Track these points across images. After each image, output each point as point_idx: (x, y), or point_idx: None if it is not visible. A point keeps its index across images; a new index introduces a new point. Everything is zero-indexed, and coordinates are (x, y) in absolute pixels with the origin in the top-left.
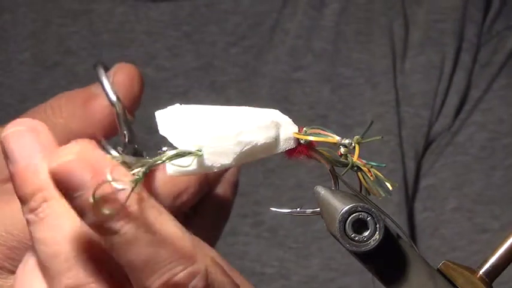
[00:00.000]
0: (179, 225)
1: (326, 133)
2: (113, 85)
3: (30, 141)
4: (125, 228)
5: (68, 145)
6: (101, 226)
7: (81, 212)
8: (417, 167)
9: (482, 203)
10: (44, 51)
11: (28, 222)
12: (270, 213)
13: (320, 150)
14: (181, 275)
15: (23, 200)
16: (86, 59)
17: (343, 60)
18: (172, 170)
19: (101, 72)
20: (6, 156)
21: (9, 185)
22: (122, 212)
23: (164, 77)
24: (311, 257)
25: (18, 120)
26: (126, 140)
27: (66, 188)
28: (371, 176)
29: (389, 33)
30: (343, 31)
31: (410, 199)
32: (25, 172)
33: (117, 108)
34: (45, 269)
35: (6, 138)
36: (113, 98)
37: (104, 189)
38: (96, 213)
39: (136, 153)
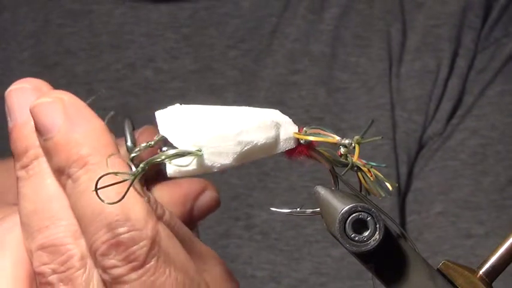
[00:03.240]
0: (138, 190)
1: (326, 133)
2: (132, 135)
3: (32, 99)
4: (82, 177)
5: (55, 91)
6: (62, 172)
7: (49, 156)
8: (409, 172)
9: (469, 208)
10: (44, 51)
11: (18, 178)
12: (263, 216)
13: (320, 150)
14: (125, 236)
15: (17, 156)
16: (85, 60)
17: (340, 64)
18: (172, 170)
19: (127, 123)
20: (8, 112)
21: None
22: (81, 161)
23: (162, 80)
24: (302, 261)
25: (24, 79)
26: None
27: (38, 129)
28: (371, 176)
29: (386, 37)
30: (341, 35)
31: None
32: (22, 128)
33: (131, 154)
34: (24, 226)
35: (9, 94)
36: (130, 144)
37: (71, 137)
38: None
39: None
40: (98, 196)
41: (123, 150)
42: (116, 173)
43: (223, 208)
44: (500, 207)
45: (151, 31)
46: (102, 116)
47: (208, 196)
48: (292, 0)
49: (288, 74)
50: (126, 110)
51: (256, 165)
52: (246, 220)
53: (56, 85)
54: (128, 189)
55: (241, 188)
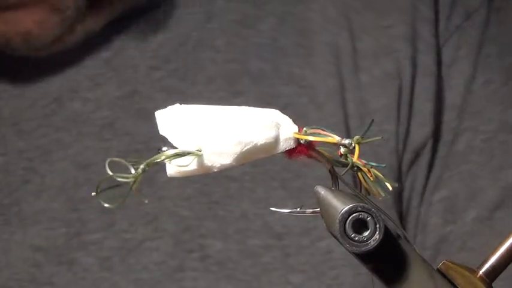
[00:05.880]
0: None
1: (326, 133)
2: None
3: None
4: None
5: None
6: None
7: None
8: (396, 180)
9: (499, 207)
10: None
11: None
12: (217, 246)
13: (320, 150)
14: None
15: None
16: (9, 100)
17: (283, 79)
18: (173, 170)
19: None
20: None
21: None
22: None
23: (89, 110)
24: None
25: None
26: None
27: None
28: (371, 176)
29: (334, 50)
30: (281, 46)
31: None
32: None
33: None
34: None
35: None
36: None
37: None
38: None
39: None
40: (100, 199)
41: None
42: (116, 176)
43: (175, 241)
44: None
45: (70, 59)
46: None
47: None
48: (214, 10)
49: (229, 97)
50: (61, 145)
51: (204, 194)
52: (199, 251)
53: None
54: (130, 190)
55: (192, 219)
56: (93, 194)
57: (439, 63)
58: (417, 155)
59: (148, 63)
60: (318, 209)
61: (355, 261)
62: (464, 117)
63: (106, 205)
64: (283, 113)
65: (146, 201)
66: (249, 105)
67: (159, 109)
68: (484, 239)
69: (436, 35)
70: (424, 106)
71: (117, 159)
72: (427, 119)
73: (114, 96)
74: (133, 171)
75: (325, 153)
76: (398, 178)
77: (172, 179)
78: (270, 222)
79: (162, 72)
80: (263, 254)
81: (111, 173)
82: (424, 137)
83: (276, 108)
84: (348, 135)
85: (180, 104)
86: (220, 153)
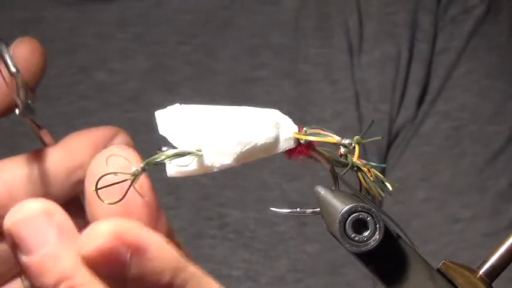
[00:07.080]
0: None
1: (326, 133)
2: (12, 58)
3: (45, 226)
4: None
5: (96, 224)
6: None
7: None
8: (381, 163)
9: (452, 192)
10: None
11: None
12: (235, 215)
13: (320, 150)
14: None
15: None
16: None
17: (302, 56)
18: (173, 171)
19: (1, 46)
20: (16, 246)
21: None
22: None
23: (116, 81)
24: (278, 258)
25: (26, 204)
26: (21, 109)
27: (106, 270)
28: (371, 176)
29: (346, 29)
30: (302, 27)
31: None
32: (43, 262)
33: (17, 79)
34: None
35: (15, 226)
36: (13, 69)
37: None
38: None
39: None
40: (98, 196)
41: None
42: (115, 173)
43: (195, 209)
44: (481, 189)
45: (102, 32)
46: (58, 120)
47: (122, 140)
48: None
49: (250, 69)
50: (84, 113)
51: None
52: (218, 219)
53: None
54: (128, 189)
55: (212, 188)
56: (92, 189)
57: (432, 50)
58: (395, 136)
59: (176, 38)
60: (318, 209)
61: None
62: (437, 100)
63: (106, 202)
64: (299, 88)
65: (145, 198)
66: (269, 78)
67: (184, 81)
68: (428, 220)
69: (435, 24)
70: (411, 90)
71: (118, 155)
72: (411, 103)
73: (142, 69)
74: (133, 169)
75: (325, 153)
76: (384, 158)
77: None
78: (286, 191)
79: (189, 47)
80: (280, 224)
81: (111, 170)
82: (405, 120)
83: (294, 81)
84: (358, 110)
85: (180, 103)
86: (220, 153)
